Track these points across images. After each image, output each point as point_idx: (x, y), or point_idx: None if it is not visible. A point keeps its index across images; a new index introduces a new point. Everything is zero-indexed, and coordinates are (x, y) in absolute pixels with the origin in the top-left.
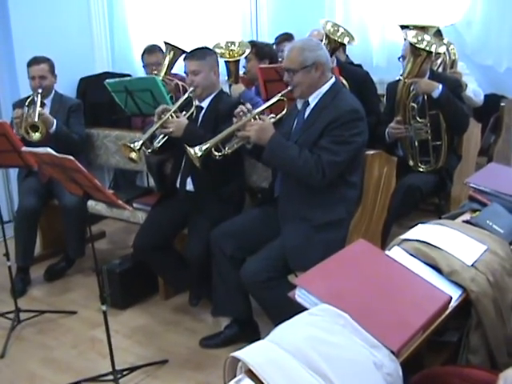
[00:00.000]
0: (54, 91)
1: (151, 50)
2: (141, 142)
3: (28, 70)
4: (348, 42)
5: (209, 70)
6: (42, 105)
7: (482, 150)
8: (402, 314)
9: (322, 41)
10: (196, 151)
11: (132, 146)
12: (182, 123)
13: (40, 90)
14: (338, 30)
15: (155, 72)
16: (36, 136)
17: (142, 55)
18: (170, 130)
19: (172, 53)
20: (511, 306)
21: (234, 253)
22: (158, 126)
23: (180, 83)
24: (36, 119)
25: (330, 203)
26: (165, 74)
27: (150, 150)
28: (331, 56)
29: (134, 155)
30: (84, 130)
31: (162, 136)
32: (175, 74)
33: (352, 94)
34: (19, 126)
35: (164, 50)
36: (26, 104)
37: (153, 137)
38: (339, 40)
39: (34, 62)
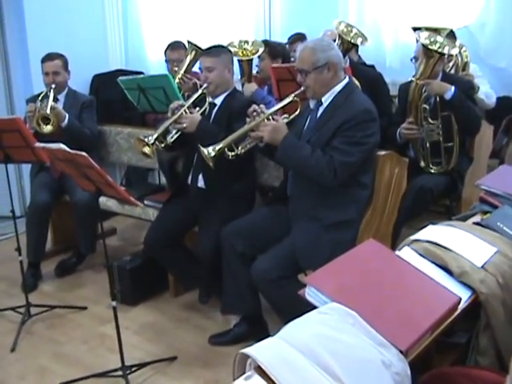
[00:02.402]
0: (67, 87)
1: (175, 46)
2: (155, 136)
3: (42, 65)
4: (361, 43)
5: (223, 67)
6: (56, 100)
7: (494, 152)
8: (411, 313)
9: (335, 41)
10: (209, 151)
11: (146, 140)
12: (195, 119)
13: (53, 86)
14: (351, 31)
15: (176, 68)
16: (47, 128)
17: (166, 50)
18: (184, 125)
19: (194, 52)
20: None
21: (244, 251)
22: (172, 121)
23: (198, 82)
24: (48, 111)
25: (342, 203)
26: (184, 71)
27: (163, 145)
28: (344, 56)
29: (147, 150)
30: (96, 126)
31: (175, 131)
32: (196, 73)
33: (364, 94)
34: (32, 119)
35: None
36: (40, 99)
37: (166, 132)
38: (352, 41)
39: (48, 58)
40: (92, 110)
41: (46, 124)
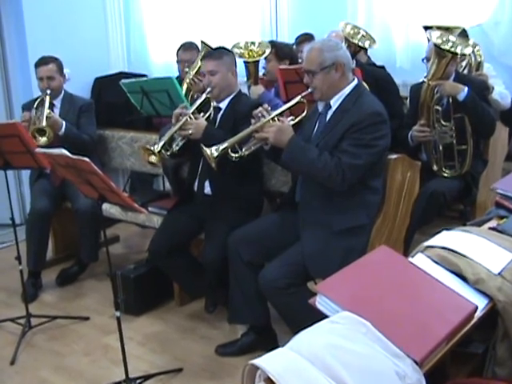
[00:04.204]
0: (63, 91)
1: (187, 46)
2: (161, 144)
3: (36, 70)
4: (369, 46)
5: (226, 70)
6: (52, 106)
7: (510, 154)
8: (426, 323)
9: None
10: (212, 151)
11: (152, 148)
12: (201, 125)
13: (49, 91)
14: (359, 33)
15: (187, 69)
16: (43, 141)
17: (178, 50)
18: (189, 131)
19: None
20: None
21: (251, 258)
22: (177, 128)
23: None
24: (43, 124)
25: (351, 209)
26: (196, 72)
27: (169, 153)
28: (352, 59)
29: (153, 158)
30: (95, 131)
31: (180, 138)
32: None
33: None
34: (27, 129)
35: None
36: (35, 106)
37: (171, 139)
38: (359, 44)
39: (42, 62)
40: (91, 114)
41: (42, 136)
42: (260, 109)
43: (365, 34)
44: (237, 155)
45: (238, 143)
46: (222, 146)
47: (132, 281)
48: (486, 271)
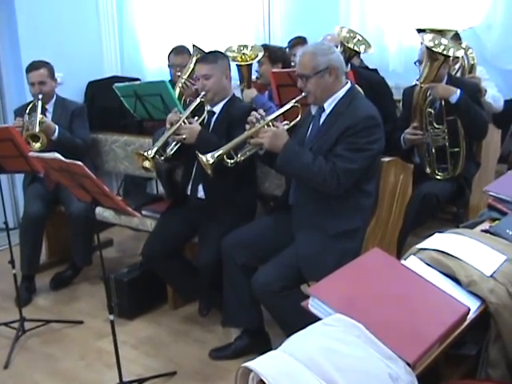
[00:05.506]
0: (55, 95)
1: (179, 50)
2: (154, 149)
3: (27, 76)
4: (364, 50)
5: (221, 74)
6: (44, 110)
7: (502, 156)
8: (419, 325)
9: (336, 47)
10: (208, 158)
11: (145, 154)
12: (195, 129)
13: (40, 96)
14: (354, 37)
15: (179, 74)
16: (37, 146)
17: (169, 54)
18: (183, 136)
19: (198, 56)
20: None
21: (245, 261)
22: (171, 133)
23: None
24: (36, 129)
25: (345, 212)
26: (188, 76)
27: (162, 158)
28: (346, 64)
29: (147, 164)
30: (88, 134)
31: (174, 143)
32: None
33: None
34: (20, 133)
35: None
36: (27, 111)
37: (165, 144)
38: (355, 48)
39: (33, 67)
40: (83, 118)
41: (35, 141)
42: (255, 114)
43: (361, 38)
44: (232, 161)
45: (234, 149)
46: (217, 153)
47: (126, 284)
48: (478, 273)
